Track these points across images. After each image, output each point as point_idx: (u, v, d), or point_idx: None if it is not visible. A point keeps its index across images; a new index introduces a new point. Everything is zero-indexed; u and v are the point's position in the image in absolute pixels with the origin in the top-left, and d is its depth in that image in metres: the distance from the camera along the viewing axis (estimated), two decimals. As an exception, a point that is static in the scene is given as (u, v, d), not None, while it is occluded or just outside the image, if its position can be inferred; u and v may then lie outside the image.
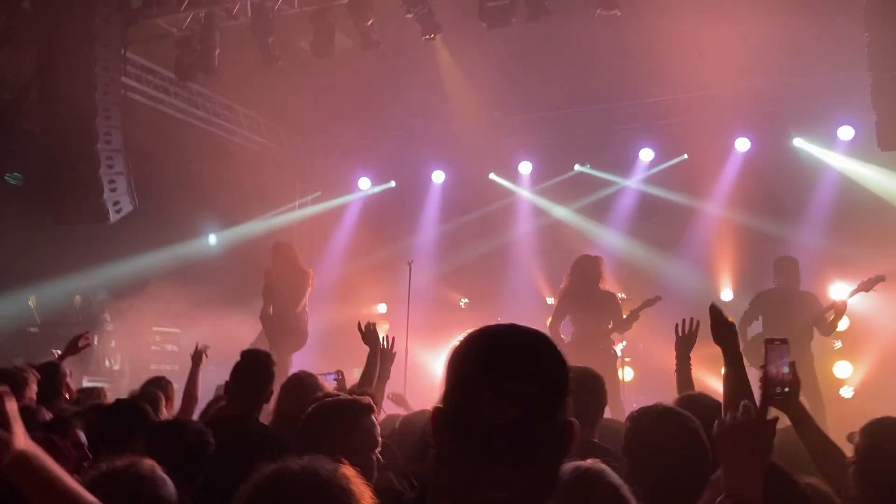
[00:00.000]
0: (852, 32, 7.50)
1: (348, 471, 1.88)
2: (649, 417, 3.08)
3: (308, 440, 2.77)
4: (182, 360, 7.96)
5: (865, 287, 7.33)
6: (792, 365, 3.26)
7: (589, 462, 2.13)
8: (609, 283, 8.34)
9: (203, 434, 3.21)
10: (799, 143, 10.44)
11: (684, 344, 4.53)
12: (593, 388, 3.94)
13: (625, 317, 7.98)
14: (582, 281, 8.02)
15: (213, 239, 11.72)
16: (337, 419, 2.92)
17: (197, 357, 5.48)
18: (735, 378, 3.20)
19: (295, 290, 8.79)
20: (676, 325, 4.61)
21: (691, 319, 4.56)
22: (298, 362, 8.82)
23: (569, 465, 2.08)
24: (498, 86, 10.19)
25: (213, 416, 4.52)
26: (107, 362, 9.44)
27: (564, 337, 8.07)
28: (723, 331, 3.35)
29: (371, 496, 1.86)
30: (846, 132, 10.02)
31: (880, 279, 7.27)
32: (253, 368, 4.13)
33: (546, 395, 1.41)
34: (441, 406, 1.45)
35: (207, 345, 5.52)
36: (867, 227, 9.09)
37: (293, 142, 12.60)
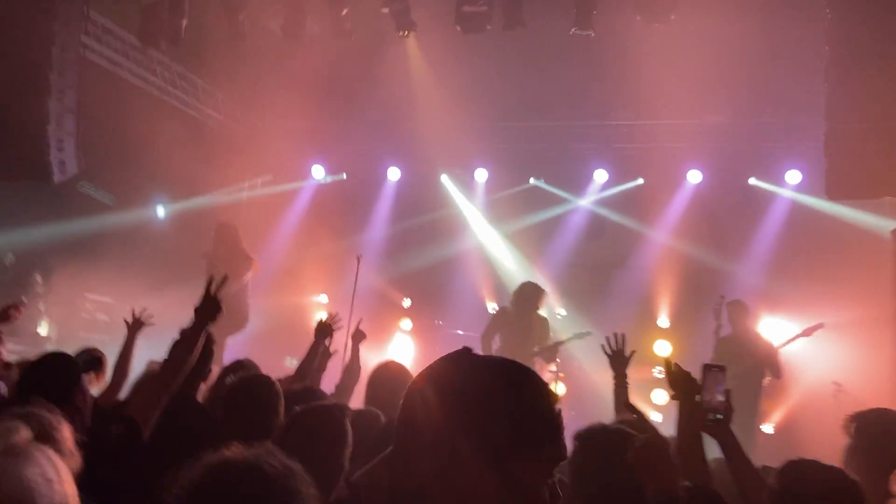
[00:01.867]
0: (811, 78, 7.74)
1: (296, 468, 1.77)
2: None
3: (288, 443, 2.70)
4: (112, 330, 7.72)
5: (807, 333, 7.64)
6: (727, 393, 3.31)
7: None
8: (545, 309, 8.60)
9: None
10: (753, 181, 10.68)
11: (617, 361, 4.38)
12: None
13: (550, 344, 8.23)
14: (521, 304, 8.22)
15: (160, 210, 11.42)
16: (322, 425, 2.85)
17: (135, 325, 5.15)
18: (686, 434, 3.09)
19: (234, 272, 8.63)
20: (605, 341, 4.46)
21: (617, 334, 4.46)
22: (232, 346, 8.68)
23: None
24: (463, 90, 10.21)
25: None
26: (33, 326, 9.09)
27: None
28: (680, 383, 3.22)
29: (317, 498, 1.76)
30: (794, 176, 10.32)
31: (820, 326, 7.57)
32: None
33: None
34: None
35: (149, 312, 5.26)
36: (804, 270, 9.39)
37: (250, 121, 12.36)
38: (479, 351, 1.49)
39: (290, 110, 11.36)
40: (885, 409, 3.94)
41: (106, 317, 9.79)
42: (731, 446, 3.36)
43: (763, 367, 7.92)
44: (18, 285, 9.08)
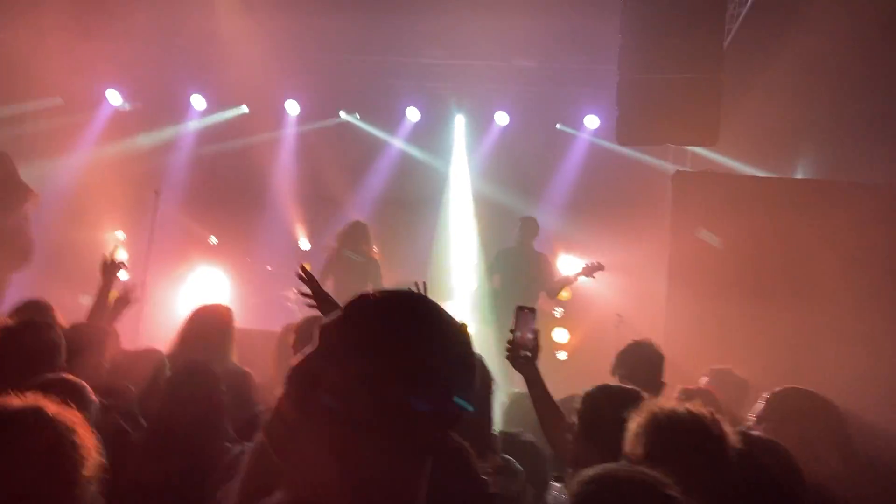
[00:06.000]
0: (611, 26, 8.10)
1: None
2: None
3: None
4: None
5: (587, 272, 8.25)
6: (536, 332, 3.59)
7: None
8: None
9: None
10: (560, 126, 11.16)
11: None
12: None
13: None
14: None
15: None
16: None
17: None
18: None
19: (10, 204, 7.93)
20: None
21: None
22: (20, 283, 8.04)
23: None
24: (273, 19, 9.82)
25: None
26: None
27: None
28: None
29: None
30: (592, 121, 10.90)
31: (600, 267, 8.21)
32: None
33: None
34: None
35: None
36: (597, 213, 10.04)
37: (31, 39, 11.14)
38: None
39: (77, 31, 10.36)
40: (638, 341, 4.52)
41: None
42: (536, 381, 3.61)
43: (541, 286, 8.54)
44: None
